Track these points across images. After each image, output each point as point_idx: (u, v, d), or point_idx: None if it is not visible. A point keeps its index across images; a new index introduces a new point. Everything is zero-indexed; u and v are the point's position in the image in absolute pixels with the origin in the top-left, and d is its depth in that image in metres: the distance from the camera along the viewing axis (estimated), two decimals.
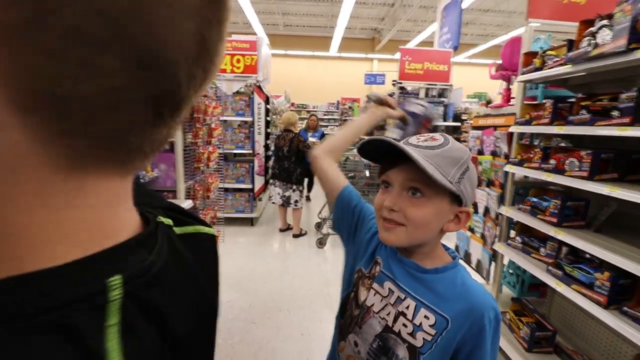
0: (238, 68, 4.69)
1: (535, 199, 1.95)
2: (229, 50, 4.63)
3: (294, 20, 13.55)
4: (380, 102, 1.01)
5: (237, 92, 4.71)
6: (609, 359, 1.87)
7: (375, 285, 0.72)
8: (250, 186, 4.67)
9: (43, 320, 0.19)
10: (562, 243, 1.79)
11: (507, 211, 2.13)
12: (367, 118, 1.00)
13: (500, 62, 2.70)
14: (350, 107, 11.12)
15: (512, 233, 2.25)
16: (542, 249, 1.93)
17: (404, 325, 0.66)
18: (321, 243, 4.08)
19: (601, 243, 1.56)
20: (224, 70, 4.67)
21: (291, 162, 4.32)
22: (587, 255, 1.65)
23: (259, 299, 2.86)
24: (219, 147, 4.47)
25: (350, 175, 5.02)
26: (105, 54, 0.18)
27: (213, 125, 2.47)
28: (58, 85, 0.18)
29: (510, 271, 2.52)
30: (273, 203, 4.50)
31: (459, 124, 4.63)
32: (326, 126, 14.72)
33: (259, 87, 4.68)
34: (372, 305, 0.71)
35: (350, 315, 0.75)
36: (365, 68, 14.72)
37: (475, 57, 14.45)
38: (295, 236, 4.41)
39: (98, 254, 0.23)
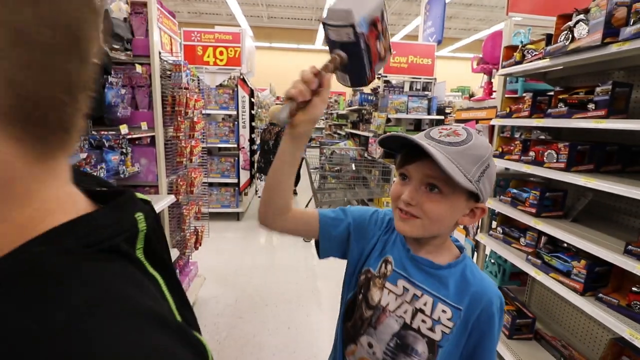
0: (221, 60, 4.59)
1: (515, 191, 2.00)
2: (211, 42, 4.53)
3: (278, 12, 13.34)
4: (292, 114, 0.62)
5: (221, 85, 4.62)
6: (585, 344, 1.95)
7: (388, 285, 0.72)
8: (235, 180, 4.61)
9: (103, 248, 0.25)
10: (541, 233, 1.84)
11: (489, 202, 2.18)
12: (290, 147, 0.68)
13: (481, 56, 2.74)
14: (336, 101, 11.10)
15: (494, 224, 2.30)
16: (522, 239, 1.98)
17: (423, 321, 0.68)
18: (307, 237, 4.09)
19: (578, 232, 1.61)
20: (207, 63, 4.57)
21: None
22: (565, 245, 1.70)
23: (246, 294, 2.85)
24: (203, 141, 4.40)
25: (336, 169, 5.03)
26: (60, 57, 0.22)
27: (195, 119, 2.42)
28: (26, 88, 0.21)
29: (492, 261, 2.58)
30: (259, 197, 4.47)
31: (442, 117, 4.68)
32: None
33: (243, 80, 4.60)
34: (388, 304, 0.71)
35: (360, 318, 0.75)
36: None
37: (458, 51, 14.62)
38: None
39: (104, 209, 0.28)
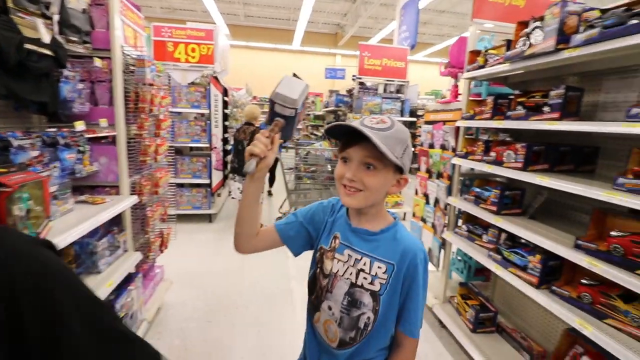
0: (193, 58, 4.48)
1: (478, 189, 2.07)
2: (182, 39, 4.41)
3: (255, 11, 13.22)
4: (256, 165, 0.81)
5: (192, 83, 4.50)
6: (543, 334, 2.04)
7: (337, 255, 0.89)
8: (207, 181, 4.51)
9: None
10: (501, 230, 1.92)
11: (454, 201, 2.24)
12: (253, 188, 0.87)
13: (449, 60, 2.83)
14: (312, 102, 11.11)
15: (460, 222, 2.38)
16: (484, 236, 2.05)
17: (365, 278, 0.85)
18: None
19: (534, 229, 1.69)
20: (178, 60, 4.44)
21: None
22: (523, 240, 1.78)
23: (216, 297, 2.78)
24: (172, 140, 4.26)
25: (311, 169, 5.03)
26: None
27: (161, 117, 2.34)
28: None
29: (459, 258, 2.66)
30: (233, 198, 4.38)
31: (414, 119, 4.79)
32: None
33: (216, 78, 4.51)
34: (337, 271, 0.88)
35: (319, 288, 0.91)
36: (328, 63, 14.77)
37: (432, 56, 15.05)
38: None
39: None
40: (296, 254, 0.97)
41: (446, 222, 2.40)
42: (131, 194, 2.01)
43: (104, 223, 1.90)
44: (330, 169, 4.94)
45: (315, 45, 15.06)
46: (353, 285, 0.86)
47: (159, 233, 2.44)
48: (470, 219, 2.26)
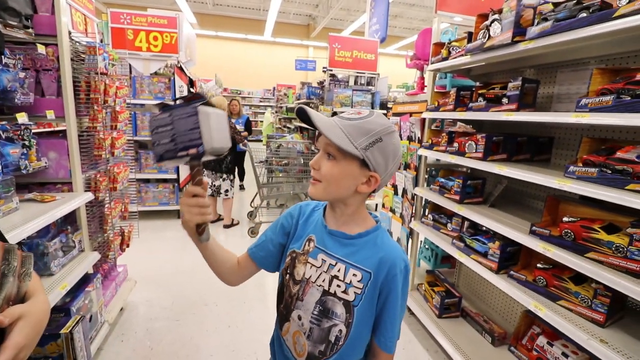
0: (155, 47, 4.25)
1: (443, 180, 2.12)
2: (143, 26, 4.18)
3: (224, 0, 12.79)
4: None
5: (156, 74, 4.29)
6: (504, 316, 2.14)
7: (310, 260, 0.82)
8: (174, 176, 4.34)
9: None
10: (464, 218, 1.98)
11: (421, 191, 2.29)
12: (204, 249, 0.86)
13: (414, 52, 2.86)
14: (285, 94, 10.96)
15: (426, 211, 2.43)
16: (449, 225, 2.11)
17: (338, 285, 0.78)
18: (253, 232, 4.00)
19: (494, 216, 1.75)
20: (139, 49, 4.21)
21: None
22: (484, 228, 1.84)
23: (184, 295, 2.70)
24: (133, 134, 4.05)
25: (284, 162, 4.97)
26: None
27: (118, 108, 2.20)
28: None
29: (427, 247, 2.73)
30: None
31: (384, 111, 4.84)
32: (262, 113, 14.38)
33: (181, 69, 4.33)
34: (310, 277, 0.81)
35: (290, 295, 0.84)
36: (300, 54, 14.58)
37: (403, 49, 15.25)
38: (226, 227, 4.25)
39: None
40: (273, 271, 0.92)
41: (413, 212, 2.45)
42: (86, 191, 1.89)
43: (55, 222, 1.78)
44: (302, 162, 4.91)
45: (287, 36, 14.81)
46: (325, 293, 0.79)
47: (119, 231, 2.32)
48: (435, 208, 2.32)
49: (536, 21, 1.53)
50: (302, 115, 0.78)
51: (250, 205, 4.87)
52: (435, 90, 2.37)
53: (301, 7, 13.38)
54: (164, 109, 0.69)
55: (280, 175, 5.03)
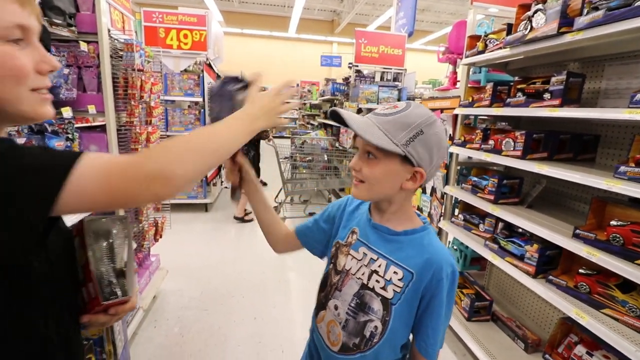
0: (185, 44, 4.37)
1: (475, 178, 2.05)
2: (174, 24, 4.29)
3: None
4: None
5: (185, 71, 4.40)
6: (537, 323, 2.05)
7: (351, 252, 0.83)
8: None
9: None
10: (498, 219, 1.90)
11: (451, 190, 2.22)
12: (253, 203, 0.94)
13: (447, 46, 2.77)
14: (309, 91, 10.97)
15: (456, 211, 2.36)
16: (481, 225, 2.04)
17: (377, 281, 0.77)
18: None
19: (532, 218, 1.67)
20: (170, 46, 4.33)
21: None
22: (520, 230, 1.76)
23: (211, 286, 2.77)
24: (164, 129, 4.18)
25: (308, 158, 4.98)
26: None
27: (153, 104, 2.27)
28: None
29: (455, 247, 2.66)
30: (226, 188, 4.34)
31: None
32: None
33: (209, 65, 4.41)
34: (350, 268, 0.82)
35: (330, 284, 0.85)
36: (324, 50, 14.54)
37: (430, 44, 14.87)
38: (236, 219, 4.26)
39: None
40: (320, 256, 0.95)
41: (442, 211, 2.38)
42: None
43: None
44: (326, 159, 4.90)
45: (311, 32, 14.80)
46: (364, 286, 0.78)
47: (153, 222, 2.40)
48: (467, 208, 2.24)
49: (585, 10, 1.43)
50: (336, 117, 0.77)
51: (275, 200, 4.92)
52: (469, 85, 2.29)
53: (326, 3, 13.31)
54: (217, 84, 0.84)
55: (304, 171, 5.05)
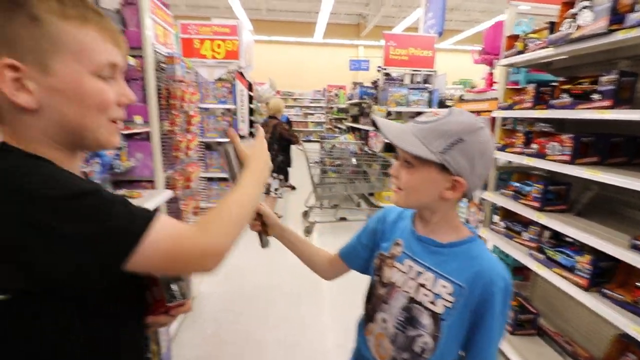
0: (219, 54, 4.52)
1: (517, 184, 1.96)
2: (208, 35, 4.46)
3: (277, 5, 13.19)
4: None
5: (219, 79, 4.55)
6: (589, 340, 1.91)
7: (396, 264, 0.82)
8: None
9: None
10: (544, 227, 1.80)
11: (490, 196, 2.14)
12: (285, 241, 0.98)
13: (481, 47, 2.68)
14: (336, 95, 11.01)
15: (496, 218, 2.26)
16: (524, 234, 1.94)
17: (425, 295, 0.75)
18: (308, 231, 4.06)
19: (582, 227, 1.57)
20: (204, 56, 4.50)
21: (273, 149, 4.27)
22: (569, 239, 1.66)
23: (246, 290, 2.83)
24: (200, 135, 4.34)
25: (337, 163, 4.99)
26: None
27: (191, 112, 2.37)
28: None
29: (495, 256, 2.55)
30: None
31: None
32: (312, 114, 14.59)
33: (241, 74, 4.54)
34: (396, 281, 0.81)
35: (376, 296, 0.85)
36: (351, 54, 14.55)
37: (460, 44, 14.46)
38: None
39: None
40: (363, 271, 0.95)
41: (481, 218, 2.30)
42: (166, 189, 2.06)
43: None
44: (355, 163, 4.87)
45: (336, 37, 14.85)
46: (412, 300, 0.77)
47: None
48: (507, 215, 2.14)
49: (637, 6, 1.34)
50: (376, 126, 0.80)
51: (305, 205, 4.96)
52: (508, 86, 2.20)
53: (352, 7, 13.33)
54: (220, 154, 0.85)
55: (334, 175, 5.05)
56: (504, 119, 2.19)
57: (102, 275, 0.50)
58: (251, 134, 5.03)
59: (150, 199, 1.81)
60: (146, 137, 2.04)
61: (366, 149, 4.97)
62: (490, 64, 2.51)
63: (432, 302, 0.74)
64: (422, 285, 0.76)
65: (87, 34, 0.54)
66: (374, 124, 0.81)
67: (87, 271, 0.49)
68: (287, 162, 4.67)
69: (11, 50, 0.50)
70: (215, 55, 4.50)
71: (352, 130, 6.82)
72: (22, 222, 0.45)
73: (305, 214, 4.69)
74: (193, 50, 4.46)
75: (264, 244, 0.94)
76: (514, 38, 2.11)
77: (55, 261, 0.47)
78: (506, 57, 2.11)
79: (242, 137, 4.30)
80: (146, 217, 0.52)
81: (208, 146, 4.57)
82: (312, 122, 14.52)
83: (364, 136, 5.67)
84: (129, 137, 1.98)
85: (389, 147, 4.81)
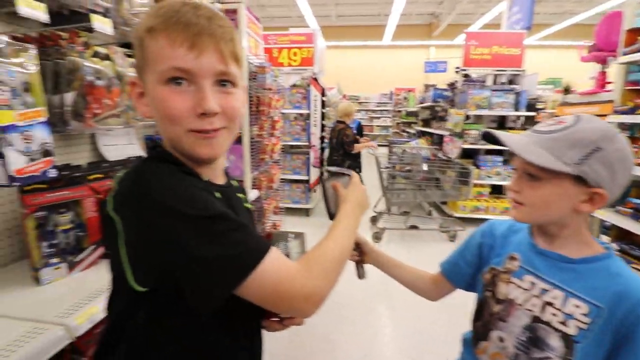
0: (295, 61, 4.74)
1: (638, 201, 1.69)
2: (286, 44, 4.69)
3: (347, 10, 13.33)
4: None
5: (294, 85, 4.76)
6: None
7: (514, 280, 0.76)
8: (306, 177, 4.74)
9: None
10: None
11: (602, 214, 1.88)
12: (380, 266, 0.97)
13: (591, 43, 2.37)
14: (405, 98, 10.73)
15: (605, 239, 1.98)
16: None
17: (554, 314, 0.70)
18: (377, 237, 4.01)
19: None
20: (282, 64, 4.75)
21: (339, 154, 4.31)
22: None
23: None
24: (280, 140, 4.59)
25: (407, 168, 4.84)
26: None
27: (275, 118, 2.52)
28: None
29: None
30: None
31: (533, 113, 4.19)
32: (378, 117, 14.41)
33: (315, 80, 4.69)
34: (515, 298, 0.75)
35: (490, 314, 0.80)
36: (420, 55, 14.07)
37: (549, 39, 13.01)
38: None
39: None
40: (466, 288, 0.92)
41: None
42: (252, 189, 2.22)
43: None
44: (426, 168, 4.68)
45: (406, 38, 14.46)
46: (537, 319, 0.72)
47: (272, 225, 2.65)
48: (622, 236, 1.86)
49: None
50: (490, 138, 0.77)
51: (373, 210, 4.91)
52: (627, 87, 1.92)
53: (424, 6, 12.87)
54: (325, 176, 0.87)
55: (403, 181, 4.92)
56: (621, 124, 1.91)
57: (205, 298, 0.52)
58: (322, 139, 5.16)
59: None
60: (238, 140, 2.22)
61: (440, 154, 4.74)
62: (604, 61, 2.20)
63: (562, 323, 0.69)
64: (549, 304, 0.70)
65: (157, 42, 0.52)
66: (485, 136, 0.78)
67: (193, 291, 0.52)
68: (355, 167, 4.68)
69: (139, 70, 0.58)
70: (292, 63, 4.72)
71: (423, 134, 6.57)
72: (164, 232, 0.49)
73: (374, 220, 4.64)
74: (272, 59, 4.74)
75: (360, 274, 0.93)
76: (635, 32, 1.83)
77: (182, 274, 0.51)
78: (626, 53, 1.85)
79: (335, 162, 4.39)
80: (261, 249, 0.53)
81: (283, 149, 4.79)
82: (377, 125, 14.34)
83: (437, 141, 5.42)
84: None
85: (466, 154, 4.52)
